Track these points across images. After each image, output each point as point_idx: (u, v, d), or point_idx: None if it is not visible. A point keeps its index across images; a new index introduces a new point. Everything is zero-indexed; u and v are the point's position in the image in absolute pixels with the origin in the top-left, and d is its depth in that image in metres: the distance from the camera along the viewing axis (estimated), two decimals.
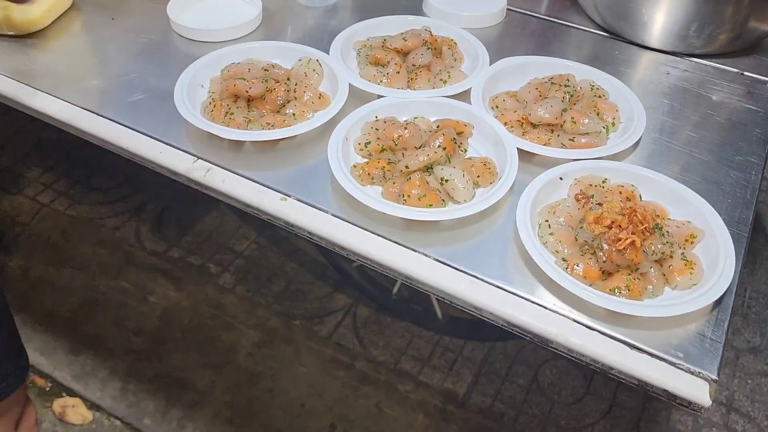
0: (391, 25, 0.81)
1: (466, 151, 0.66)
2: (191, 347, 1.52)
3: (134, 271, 1.68)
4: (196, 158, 0.66)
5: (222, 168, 0.66)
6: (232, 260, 1.69)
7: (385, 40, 0.76)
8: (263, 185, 0.64)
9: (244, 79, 0.68)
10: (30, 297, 1.60)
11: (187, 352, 1.50)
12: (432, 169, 0.62)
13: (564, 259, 0.55)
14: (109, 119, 0.70)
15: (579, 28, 0.87)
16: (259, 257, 1.69)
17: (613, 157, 0.65)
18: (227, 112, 0.67)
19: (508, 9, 0.88)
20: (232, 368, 1.47)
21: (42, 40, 0.81)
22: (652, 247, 0.54)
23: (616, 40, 0.85)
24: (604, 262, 0.54)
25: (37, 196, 1.85)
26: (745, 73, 0.80)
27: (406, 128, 0.64)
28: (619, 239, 0.53)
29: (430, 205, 0.59)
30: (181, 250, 1.72)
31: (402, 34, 0.76)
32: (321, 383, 1.45)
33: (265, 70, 0.71)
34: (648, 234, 0.54)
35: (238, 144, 0.67)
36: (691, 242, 0.57)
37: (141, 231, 1.77)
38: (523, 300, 0.54)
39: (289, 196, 0.62)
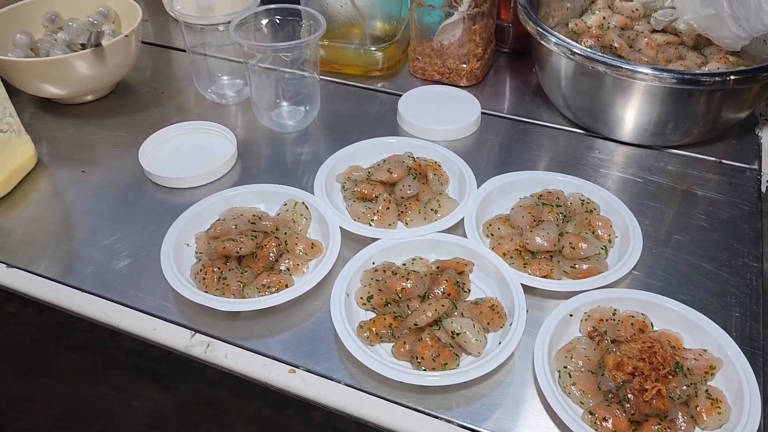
0: (371, 150, 0.80)
1: (469, 291, 0.65)
2: None
3: (115, 374, 1.61)
4: (193, 332, 0.64)
5: (221, 340, 0.63)
6: None
7: (369, 172, 0.75)
8: (268, 356, 0.61)
9: (233, 240, 0.66)
10: (8, 415, 1.52)
11: None
12: (441, 321, 0.61)
13: (591, 413, 0.54)
14: (94, 294, 0.67)
15: (554, 127, 0.88)
16: None
17: (617, 282, 0.64)
18: (220, 278, 0.65)
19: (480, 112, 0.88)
20: None
21: (6, 207, 0.77)
22: (677, 391, 0.54)
23: (592, 137, 0.85)
24: (633, 414, 0.53)
25: (3, 305, 1.77)
26: (723, 161, 0.81)
27: (407, 279, 0.62)
28: (645, 389, 0.53)
29: (445, 364, 0.58)
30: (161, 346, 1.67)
31: (386, 163, 0.75)
32: None
33: (251, 222, 0.69)
34: (671, 377, 0.54)
35: (233, 311, 0.64)
36: (712, 374, 0.57)
37: (116, 331, 1.71)
38: None
39: (297, 367, 0.60)
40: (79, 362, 1.64)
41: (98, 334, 1.76)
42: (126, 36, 0.85)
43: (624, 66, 0.73)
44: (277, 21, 0.83)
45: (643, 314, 0.61)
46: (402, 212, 0.72)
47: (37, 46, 0.91)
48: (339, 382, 0.59)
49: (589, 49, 0.76)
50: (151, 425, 1.50)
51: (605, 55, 0.75)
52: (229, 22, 0.80)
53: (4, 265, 0.71)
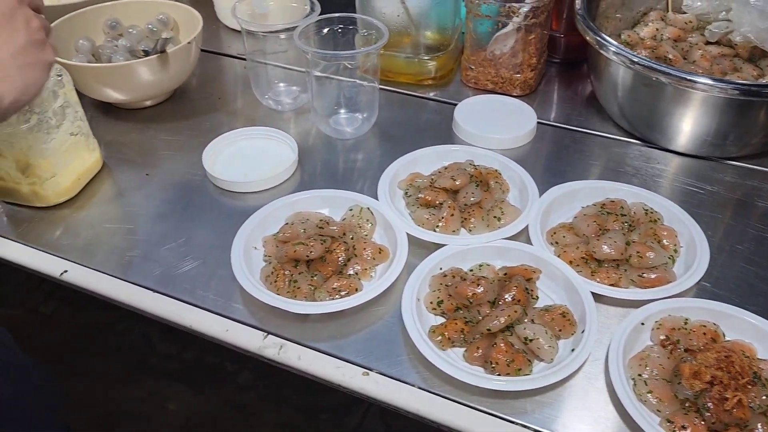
0: (431, 158, 0.81)
1: (537, 298, 0.66)
2: None
3: (150, 377, 1.63)
4: (265, 334, 0.65)
5: (293, 342, 0.64)
6: (249, 356, 1.65)
7: (432, 179, 0.76)
8: (341, 359, 0.62)
9: (303, 243, 0.67)
10: None
11: None
12: (513, 327, 0.61)
13: (669, 420, 0.54)
14: (167, 295, 0.68)
15: (608, 137, 0.88)
16: None
17: (685, 291, 0.65)
18: (290, 281, 0.66)
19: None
20: None
21: (74, 209, 0.79)
22: (757, 401, 0.54)
23: (648, 147, 0.86)
24: (713, 423, 0.53)
25: (39, 307, 1.79)
26: None
27: (478, 284, 0.63)
28: (725, 398, 0.53)
29: (519, 370, 0.58)
30: (194, 350, 1.68)
31: (448, 170, 0.76)
32: None
33: (319, 227, 0.70)
34: (750, 387, 0.54)
35: (304, 314, 0.65)
36: None
37: (150, 333, 1.73)
38: None
39: (370, 370, 0.61)
40: (113, 365, 1.66)
41: (132, 337, 1.79)
42: (188, 43, 0.87)
43: (686, 76, 0.74)
44: (339, 30, 0.85)
45: (714, 324, 0.61)
46: (465, 219, 0.72)
47: (98, 52, 0.93)
48: (413, 386, 0.60)
49: (649, 59, 0.76)
50: (185, 428, 1.51)
51: (666, 65, 0.75)
52: (289, 30, 0.82)
53: (76, 265, 0.72)
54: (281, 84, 0.95)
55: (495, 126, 0.86)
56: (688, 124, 0.79)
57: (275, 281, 0.66)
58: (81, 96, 0.87)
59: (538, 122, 0.89)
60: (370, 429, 1.50)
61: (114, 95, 0.88)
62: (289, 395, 1.56)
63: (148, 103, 0.94)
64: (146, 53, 0.89)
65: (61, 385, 0.75)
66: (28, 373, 0.70)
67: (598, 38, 0.80)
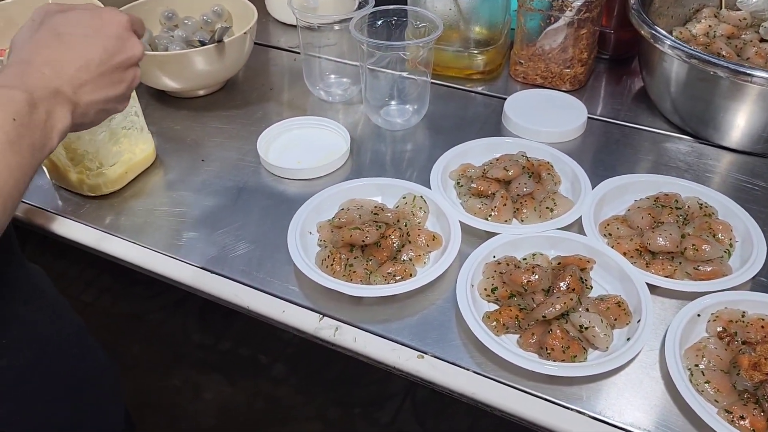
0: (482, 149, 0.82)
1: (591, 288, 0.66)
2: None
3: (185, 367, 1.66)
4: (321, 315, 0.66)
5: (348, 324, 0.65)
6: (282, 349, 1.67)
7: (485, 169, 0.77)
8: (396, 342, 0.63)
9: (359, 229, 0.68)
10: None
11: None
12: (568, 315, 0.62)
13: (727, 411, 0.54)
14: (227, 277, 0.70)
15: (658, 132, 0.88)
16: (308, 344, 1.67)
17: (741, 286, 0.64)
18: (347, 265, 0.67)
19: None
20: None
21: (130, 194, 0.80)
22: None
23: (700, 143, 0.85)
24: None
25: (80, 295, 1.83)
26: None
27: (533, 272, 0.64)
28: None
29: (574, 357, 0.59)
30: (229, 341, 1.70)
31: (500, 162, 0.77)
32: None
33: (374, 213, 0.71)
34: None
35: (359, 297, 0.66)
36: None
37: (187, 324, 1.76)
38: None
39: (425, 353, 0.62)
40: (149, 354, 1.69)
41: (169, 327, 1.82)
42: (244, 33, 0.89)
43: (744, 70, 0.74)
44: (393, 22, 0.86)
45: None
46: (517, 209, 0.73)
47: (155, 42, 0.96)
48: (467, 369, 0.60)
49: (705, 53, 0.76)
50: (218, 418, 1.53)
51: (724, 59, 0.75)
52: (343, 21, 0.83)
53: (133, 244, 0.74)
54: (332, 76, 0.96)
55: (545, 119, 0.86)
56: (743, 120, 0.79)
57: (331, 265, 0.67)
58: (138, 85, 0.89)
59: (588, 117, 0.89)
60: (404, 426, 1.51)
61: (170, 83, 0.91)
62: (321, 389, 1.57)
63: (201, 92, 0.97)
64: (201, 43, 0.91)
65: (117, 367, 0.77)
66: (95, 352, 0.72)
67: (654, 32, 0.80)
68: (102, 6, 0.56)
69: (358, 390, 1.57)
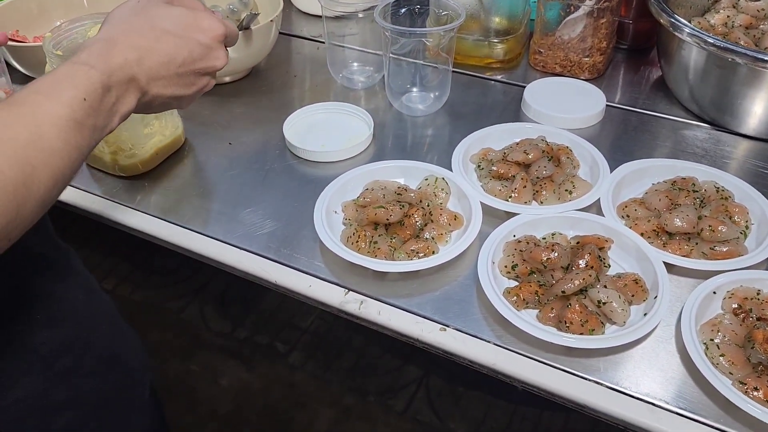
0: (502, 134, 0.84)
1: (609, 266, 0.68)
2: (267, 430, 1.52)
3: (203, 353, 1.69)
4: (346, 290, 0.68)
5: (372, 298, 0.67)
6: (299, 337, 1.70)
7: (505, 153, 0.79)
8: (419, 315, 0.65)
9: (384, 207, 0.70)
10: None
11: None
12: (586, 291, 0.63)
13: (741, 382, 0.56)
14: (254, 253, 0.72)
15: (676, 120, 0.89)
16: (325, 332, 1.69)
17: (757, 265, 0.66)
18: (371, 242, 0.69)
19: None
20: None
21: (159, 176, 0.83)
22: None
23: (717, 130, 0.87)
24: None
25: (101, 282, 1.87)
26: None
27: (553, 250, 0.65)
28: None
29: (592, 330, 0.61)
30: (247, 329, 1.73)
31: (520, 145, 0.79)
32: None
33: (397, 194, 0.73)
34: None
35: (383, 272, 0.68)
36: None
37: (205, 312, 1.79)
38: (711, 429, 0.55)
39: (447, 326, 0.64)
40: (169, 340, 1.72)
41: (188, 313, 1.85)
42: (271, 21, 0.91)
43: (762, 56, 0.75)
44: (416, 10, 0.88)
45: None
46: (537, 191, 0.75)
47: None
48: (488, 342, 0.62)
49: (724, 40, 0.77)
50: (235, 403, 1.56)
51: (744, 47, 0.77)
52: (368, 10, 0.85)
53: (164, 222, 0.77)
54: (355, 63, 0.99)
55: (564, 106, 0.88)
56: (761, 107, 0.80)
57: (356, 242, 0.69)
58: None
59: (606, 104, 0.91)
60: (417, 414, 1.53)
61: None
62: (336, 377, 1.60)
63: (227, 79, 0.99)
64: None
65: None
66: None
67: (673, 20, 0.82)
68: (207, 10, 0.58)
69: (372, 378, 1.59)
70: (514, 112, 0.92)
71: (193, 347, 1.72)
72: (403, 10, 0.88)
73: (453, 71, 0.96)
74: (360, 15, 0.90)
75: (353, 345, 1.66)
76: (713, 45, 0.78)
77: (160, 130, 0.82)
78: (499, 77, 1.00)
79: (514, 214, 0.72)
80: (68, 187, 0.81)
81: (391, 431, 1.50)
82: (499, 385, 0.62)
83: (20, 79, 1.01)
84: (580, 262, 0.65)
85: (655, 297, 0.62)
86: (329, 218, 0.73)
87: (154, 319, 1.79)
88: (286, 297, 0.71)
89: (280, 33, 1.12)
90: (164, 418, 0.81)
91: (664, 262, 0.66)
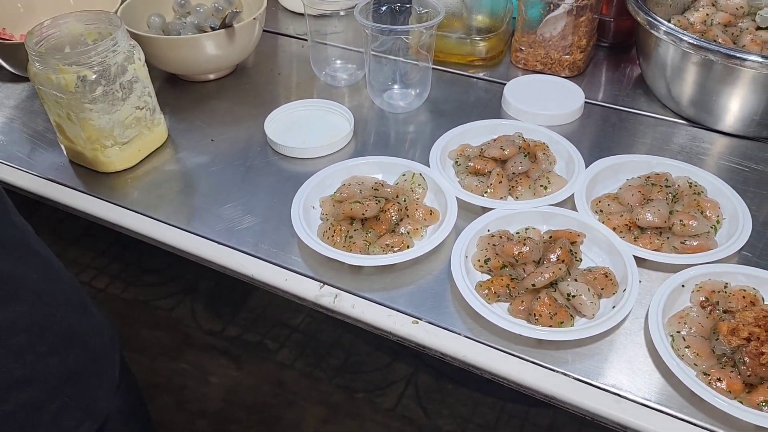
0: (481, 131, 0.84)
1: (581, 260, 0.69)
2: (256, 428, 1.53)
3: (193, 351, 1.70)
4: (322, 284, 0.69)
5: (347, 292, 0.68)
6: (289, 335, 1.71)
7: (482, 149, 0.79)
8: (392, 308, 0.66)
9: (360, 202, 0.71)
10: None
11: None
12: (556, 284, 0.64)
13: (705, 373, 0.57)
14: (233, 248, 0.73)
15: (655, 117, 0.90)
16: (315, 331, 1.70)
17: (726, 259, 0.67)
18: (347, 236, 0.70)
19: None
20: None
21: (142, 171, 0.84)
22: None
23: (694, 127, 0.88)
24: (749, 375, 0.55)
25: (92, 281, 1.88)
26: None
27: (524, 244, 0.66)
28: (762, 353, 0.55)
29: (561, 323, 0.61)
30: (237, 327, 1.74)
31: (497, 142, 0.80)
32: None
33: (374, 189, 0.74)
34: None
35: (358, 266, 0.69)
36: None
37: (196, 310, 1.80)
38: (675, 419, 0.55)
39: (420, 319, 0.65)
40: (159, 339, 1.73)
41: (179, 312, 1.85)
42: (254, 19, 0.92)
43: (735, 54, 0.76)
44: (396, 8, 0.89)
45: (754, 289, 0.63)
46: (512, 187, 0.76)
47: (168, 28, 0.99)
48: (459, 334, 0.63)
49: (700, 38, 0.78)
50: (225, 400, 1.57)
51: (717, 44, 0.77)
52: (350, 9, 0.86)
53: (144, 217, 0.77)
54: (338, 61, 0.99)
55: (543, 103, 0.89)
56: (736, 104, 0.81)
57: (332, 236, 0.70)
58: (150, 69, 0.93)
59: (586, 101, 0.91)
60: (406, 411, 1.54)
61: (181, 67, 0.94)
62: (326, 375, 1.61)
63: (212, 76, 1.00)
64: (212, 29, 0.95)
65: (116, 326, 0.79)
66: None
67: (650, 18, 0.82)
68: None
69: (361, 376, 1.60)
70: (495, 108, 0.93)
71: (184, 345, 1.73)
72: (384, 8, 0.89)
73: (436, 69, 0.97)
74: (342, 13, 0.91)
75: (343, 343, 1.67)
76: (688, 43, 0.79)
77: (143, 127, 0.83)
78: (481, 75, 1.01)
79: (489, 209, 0.73)
80: (50, 183, 0.82)
81: (380, 428, 1.51)
82: (488, 382, 0.63)
83: (7, 77, 1.02)
84: (552, 256, 0.66)
85: (624, 290, 0.63)
86: (307, 213, 0.74)
87: (144, 317, 1.80)
88: (277, 295, 0.71)
89: (266, 31, 1.13)
90: (142, 401, 0.81)
91: (636, 257, 0.67)
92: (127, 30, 0.87)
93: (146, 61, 0.82)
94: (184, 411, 1.57)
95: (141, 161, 0.85)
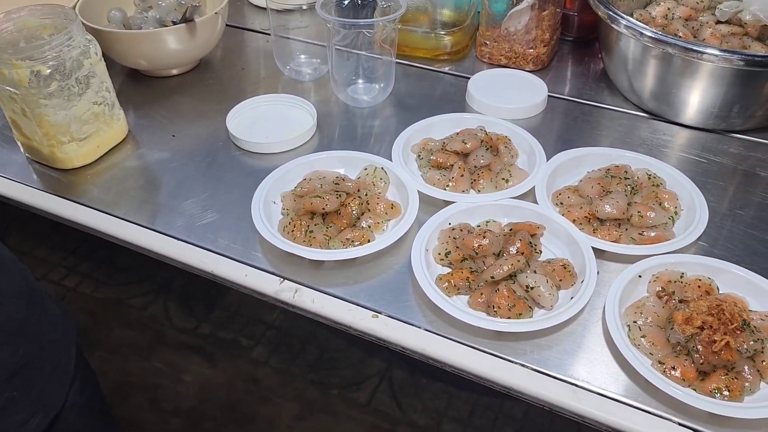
0: (444, 125, 0.84)
1: (540, 252, 0.69)
2: (230, 425, 1.52)
3: (166, 350, 1.68)
4: (282, 279, 0.68)
5: (307, 287, 0.68)
6: (263, 332, 1.70)
7: (444, 143, 0.79)
8: (352, 303, 0.66)
9: (320, 197, 0.71)
10: None
11: (227, 431, 1.49)
12: (515, 276, 0.64)
13: (660, 362, 0.57)
14: (193, 244, 0.72)
15: (617, 110, 0.91)
16: (289, 327, 1.70)
17: (683, 249, 0.67)
18: (307, 231, 0.69)
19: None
20: None
21: (101, 168, 0.83)
22: (745, 345, 0.57)
23: (656, 120, 0.89)
24: (702, 363, 0.56)
25: (62, 280, 1.85)
26: None
27: (484, 237, 0.66)
28: (714, 341, 0.56)
29: (520, 314, 0.62)
30: (211, 325, 1.73)
31: (459, 135, 0.80)
32: None
33: (335, 183, 0.74)
34: (739, 332, 0.57)
35: (319, 261, 0.69)
36: None
37: (169, 308, 1.78)
38: (630, 408, 0.56)
39: (379, 313, 0.65)
40: (132, 338, 1.71)
41: (151, 311, 1.84)
42: (216, 13, 0.91)
43: (693, 47, 0.77)
44: (359, 2, 0.88)
45: (709, 278, 0.64)
46: (474, 180, 0.76)
47: (129, 23, 0.98)
48: (419, 327, 0.63)
49: (659, 32, 0.79)
50: (198, 398, 1.56)
51: (675, 37, 0.78)
52: (312, 3, 0.86)
53: (103, 214, 0.76)
54: (302, 56, 0.99)
55: (507, 97, 0.89)
56: (696, 97, 0.82)
57: (292, 231, 0.69)
58: (112, 64, 0.91)
59: (550, 95, 0.92)
60: (380, 406, 1.54)
61: (143, 62, 0.93)
62: (300, 371, 1.60)
63: (175, 71, 0.99)
64: (174, 24, 0.93)
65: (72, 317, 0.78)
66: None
67: (610, 12, 0.83)
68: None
69: (336, 372, 1.60)
70: (460, 102, 0.93)
71: (157, 344, 1.71)
72: (346, 2, 0.89)
73: (403, 63, 0.97)
74: (305, 7, 0.91)
75: (317, 339, 1.67)
76: (648, 37, 0.79)
77: (101, 123, 0.82)
78: (447, 69, 1.01)
79: (451, 203, 0.73)
80: (7, 181, 0.81)
81: (354, 424, 1.51)
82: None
83: None
84: (511, 248, 0.66)
85: (582, 281, 0.64)
86: (268, 208, 0.73)
87: (117, 316, 1.78)
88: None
89: (232, 26, 1.12)
90: (101, 395, 0.80)
91: (595, 248, 0.67)
92: (86, 24, 0.86)
93: (107, 57, 0.81)
94: (157, 410, 1.55)
95: (100, 158, 0.83)
